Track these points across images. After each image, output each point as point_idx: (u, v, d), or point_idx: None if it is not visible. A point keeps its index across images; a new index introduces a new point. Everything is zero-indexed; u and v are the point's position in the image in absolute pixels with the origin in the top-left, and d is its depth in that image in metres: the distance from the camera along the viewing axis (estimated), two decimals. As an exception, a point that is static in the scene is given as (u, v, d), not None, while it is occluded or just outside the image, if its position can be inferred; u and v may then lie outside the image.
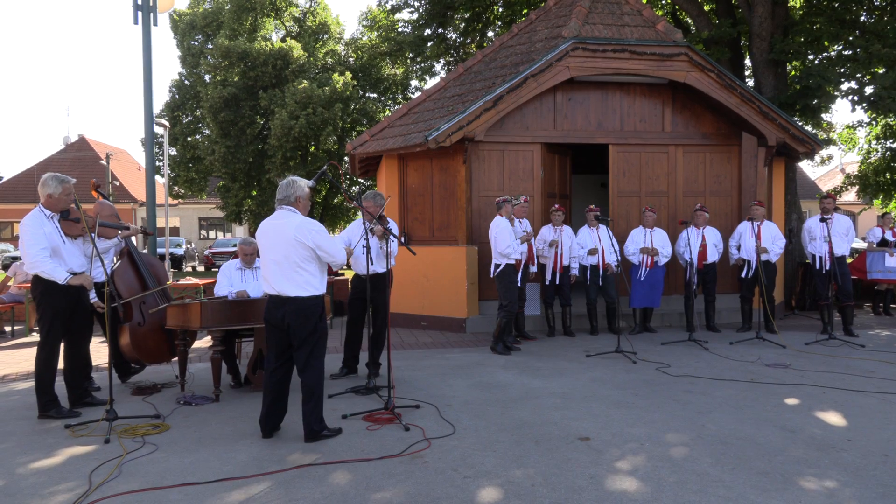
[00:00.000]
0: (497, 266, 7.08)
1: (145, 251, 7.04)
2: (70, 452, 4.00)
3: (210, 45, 22.39)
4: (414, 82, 22.31)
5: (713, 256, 8.25)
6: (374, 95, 23.20)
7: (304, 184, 4.27)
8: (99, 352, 6.65)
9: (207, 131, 22.19)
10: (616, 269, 7.99)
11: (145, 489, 3.39)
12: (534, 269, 7.83)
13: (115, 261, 5.85)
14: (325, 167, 4.72)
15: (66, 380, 5.00)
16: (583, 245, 8.13)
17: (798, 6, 13.15)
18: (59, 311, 4.75)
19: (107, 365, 6.21)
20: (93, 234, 4.75)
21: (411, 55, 16.70)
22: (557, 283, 7.96)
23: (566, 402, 5.02)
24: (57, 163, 32.52)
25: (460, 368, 6.31)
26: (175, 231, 36.71)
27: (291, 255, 4.07)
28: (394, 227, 5.81)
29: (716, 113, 9.31)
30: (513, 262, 7.06)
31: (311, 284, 4.13)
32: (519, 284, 7.23)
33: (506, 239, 7.00)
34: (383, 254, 5.57)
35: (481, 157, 8.79)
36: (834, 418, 4.52)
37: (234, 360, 5.86)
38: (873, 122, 15.41)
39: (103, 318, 5.62)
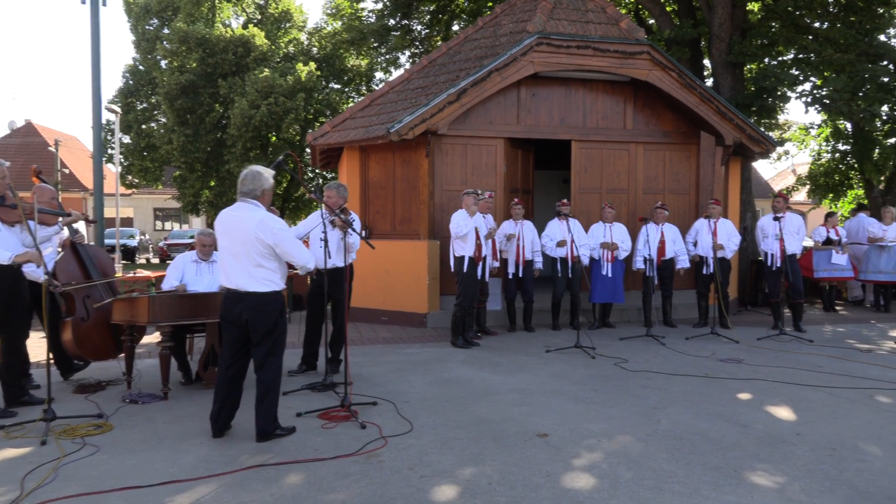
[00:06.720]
0: (459, 259, 7.01)
1: (92, 242, 6.72)
2: (2, 455, 3.76)
3: (166, 30, 21.59)
4: (379, 74, 22.01)
5: (671, 253, 8.38)
6: (338, 86, 22.78)
7: (269, 175, 4.09)
8: (39, 347, 6.33)
9: (163, 119, 21.44)
10: (584, 262, 8.00)
11: (83, 494, 3.21)
12: (496, 264, 7.79)
13: (58, 251, 5.56)
14: (281, 157, 4.56)
15: (2, 377, 4.72)
16: (552, 237, 8.15)
17: (756, 10, 13.47)
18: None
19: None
20: (30, 222, 4.48)
21: (375, 44, 16.47)
22: (521, 276, 7.95)
23: (525, 397, 5.01)
24: (1, 148, 30.99)
25: (420, 364, 6.24)
26: (128, 222, 35.50)
27: (251, 250, 3.92)
28: (356, 219, 5.68)
29: (676, 112, 9.44)
30: (472, 255, 7.00)
31: (272, 280, 3.99)
32: (479, 278, 7.17)
33: (458, 223, 6.96)
34: (343, 246, 5.44)
35: (444, 150, 8.71)
36: (784, 413, 4.62)
37: (185, 356, 5.66)
38: (824, 125, 15.95)
39: (42, 311, 5.33)
